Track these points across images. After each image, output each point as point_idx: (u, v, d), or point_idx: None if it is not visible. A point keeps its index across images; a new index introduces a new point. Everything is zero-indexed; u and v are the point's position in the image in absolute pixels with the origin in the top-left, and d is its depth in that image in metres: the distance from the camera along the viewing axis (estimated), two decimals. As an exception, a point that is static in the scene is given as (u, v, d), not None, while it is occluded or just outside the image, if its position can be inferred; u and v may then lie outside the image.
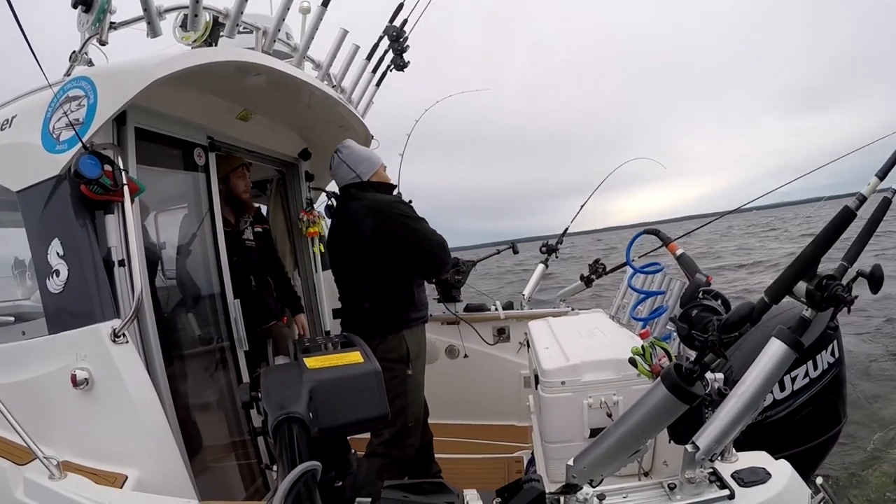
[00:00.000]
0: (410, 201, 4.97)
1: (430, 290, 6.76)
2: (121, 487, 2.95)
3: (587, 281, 7.46)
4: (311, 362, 2.83)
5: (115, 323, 3.16)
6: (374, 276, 4.65)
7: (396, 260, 4.59)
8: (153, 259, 4.19)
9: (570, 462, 2.43)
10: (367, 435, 4.62)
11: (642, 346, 2.92)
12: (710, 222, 7.53)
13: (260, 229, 5.83)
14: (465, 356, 6.91)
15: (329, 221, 5.29)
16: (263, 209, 6.54)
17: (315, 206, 6.47)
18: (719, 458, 2.44)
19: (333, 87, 5.41)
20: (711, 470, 2.42)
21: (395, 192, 5.04)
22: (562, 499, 2.39)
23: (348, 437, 2.89)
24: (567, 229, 8.32)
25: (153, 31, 3.69)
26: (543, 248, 8.07)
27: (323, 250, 6.44)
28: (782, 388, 4.03)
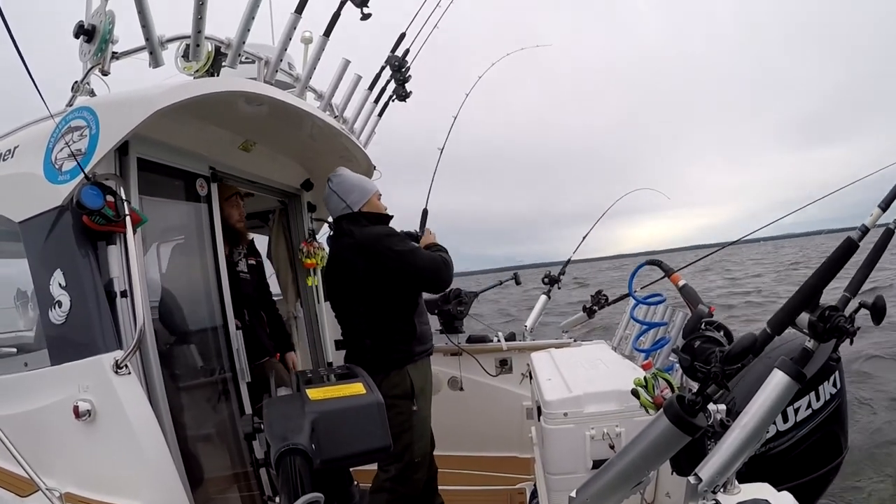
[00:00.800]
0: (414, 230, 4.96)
1: (433, 322, 6.77)
2: (123, 519, 2.94)
3: (589, 312, 7.45)
4: (313, 394, 2.83)
5: (118, 354, 3.14)
6: (371, 313, 4.64)
7: (392, 294, 4.58)
8: (155, 290, 4.18)
9: (573, 494, 2.42)
10: (371, 466, 4.60)
11: (645, 378, 2.91)
12: (710, 254, 7.54)
13: (254, 262, 5.79)
14: (461, 389, 6.89)
15: None
16: (264, 240, 6.53)
17: (318, 236, 6.46)
18: (722, 489, 2.43)
19: (335, 117, 5.43)
20: (714, 502, 2.40)
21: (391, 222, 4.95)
22: (565, 531, 2.38)
23: (351, 469, 2.89)
24: (569, 260, 8.33)
25: (155, 61, 3.71)
26: (546, 280, 8.07)
27: (318, 282, 6.43)
28: (785, 420, 4.01)
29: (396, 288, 4.57)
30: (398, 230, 4.86)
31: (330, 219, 4.98)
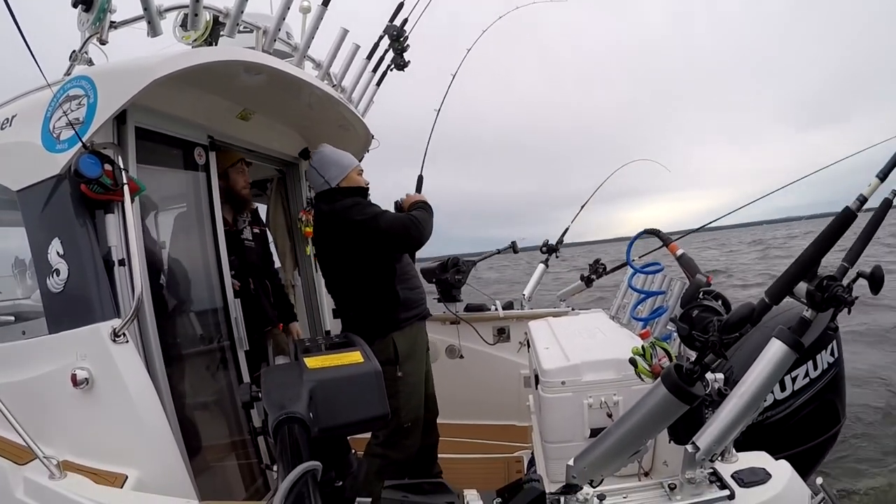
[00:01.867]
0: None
1: (431, 290, 6.76)
2: (121, 487, 2.95)
3: (587, 281, 7.47)
4: (311, 362, 2.83)
5: (116, 322, 3.16)
6: (351, 285, 4.70)
7: (366, 264, 4.60)
8: (153, 258, 4.18)
9: (571, 462, 2.43)
10: (368, 435, 4.62)
11: (643, 347, 2.92)
12: (699, 229, 7.52)
13: (258, 230, 5.76)
14: (463, 356, 6.92)
15: None
16: (262, 210, 6.52)
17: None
18: (719, 458, 2.45)
19: (334, 86, 5.40)
20: (711, 470, 2.42)
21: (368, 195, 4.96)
22: (562, 499, 2.39)
23: (349, 437, 2.89)
24: (567, 228, 8.32)
25: (153, 31, 3.69)
26: (544, 248, 8.08)
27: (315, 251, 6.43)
28: (783, 389, 4.03)
29: (369, 257, 4.58)
30: (370, 200, 4.87)
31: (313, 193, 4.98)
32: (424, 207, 4.84)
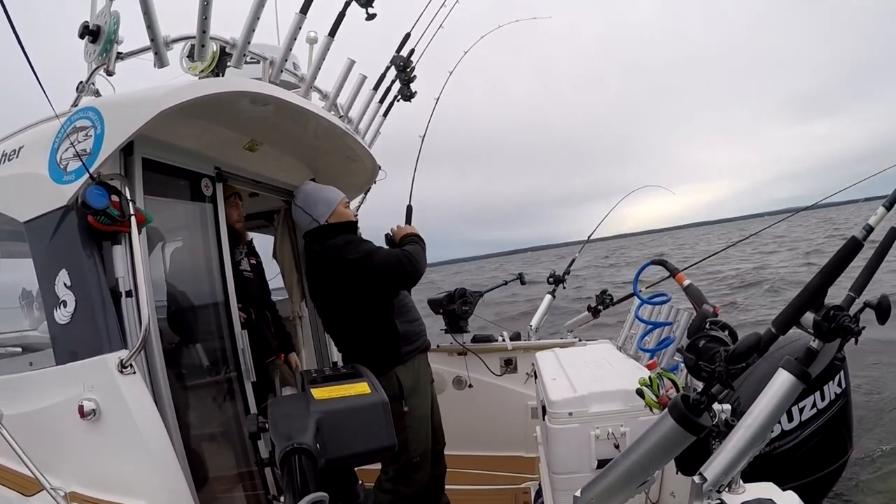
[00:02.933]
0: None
1: (438, 321, 6.76)
2: (128, 518, 2.95)
3: (594, 311, 7.48)
4: (318, 393, 2.84)
5: (123, 354, 3.15)
6: (348, 324, 4.67)
7: (363, 302, 4.56)
8: (160, 290, 4.18)
9: (578, 493, 2.43)
10: (375, 465, 4.60)
11: (650, 377, 2.92)
12: (719, 252, 7.53)
13: (254, 261, 5.79)
14: (471, 386, 6.90)
15: None
16: (269, 241, 6.53)
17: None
18: (727, 489, 2.43)
19: (340, 117, 5.43)
20: (719, 501, 2.41)
21: (358, 231, 4.95)
22: (570, 530, 2.38)
23: (356, 468, 2.89)
24: (574, 260, 8.36)
25: (160, 62, 3.70)
26: (551, 279, 8.11)
27: None
28: (790, 419, 4.01)
29: (364, 294, 4.54)
30: (361, 236, 4.86)
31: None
32: (416, 241, 4.81)
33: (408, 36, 5.90)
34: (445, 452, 5.24)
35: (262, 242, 6.45)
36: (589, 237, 8.41)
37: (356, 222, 4.94)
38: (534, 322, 7.72)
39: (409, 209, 6.55)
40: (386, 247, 4.72)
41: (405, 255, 4.51)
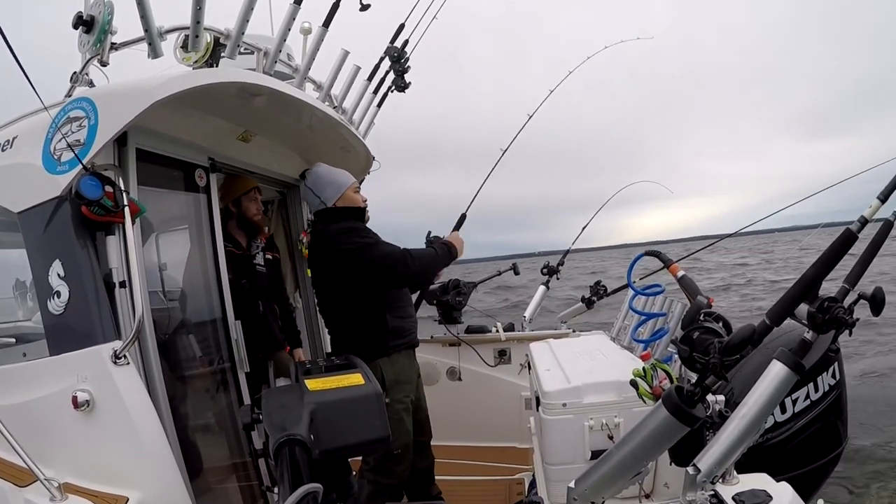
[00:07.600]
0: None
1: (432, 312, 6.77)
2: (122, 509, 2.94)
3: (588, 303, 7.50)
4: (312, 384, 2.84)
5: (117, 344, 3.14)
6: (341, 311, 4.69)
7: (356, 291, 4.56)
8: (154, 280, 4.18)
9: (572, 484, 2.43)
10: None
11: (643, 368, 2.92)
12: (710, 244, 7.55)
13: (271, 257, 5.78)
14: (464, 378, 6.93)
15: None
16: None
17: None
18: (720, 480, 2.44)
19: (334, 108, 5.41)
20: (712, 492, 2.41)
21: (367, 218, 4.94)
22: (563, 521, 2.39)
23: (350, 459, 2.89)
24: (569, 251, 8.36)
25: (154, 52, 3.69)
26: (545, 270, 8.11)
27: None
28: (783, 411, 4.02)
29: (353, 285, 4.54)
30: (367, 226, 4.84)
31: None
32: (442, 247, 4.85)
33: (402, 27, 5.90)
34: (438, 443, 5.25)
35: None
36: (583, 228, 8.39)
37: (364, 208, 4.92)
38: (527, 313, 7.72)
39: (462, 217, 6.60)
40: (392, 243, 4.69)
41: (406, 254, 4.52)
